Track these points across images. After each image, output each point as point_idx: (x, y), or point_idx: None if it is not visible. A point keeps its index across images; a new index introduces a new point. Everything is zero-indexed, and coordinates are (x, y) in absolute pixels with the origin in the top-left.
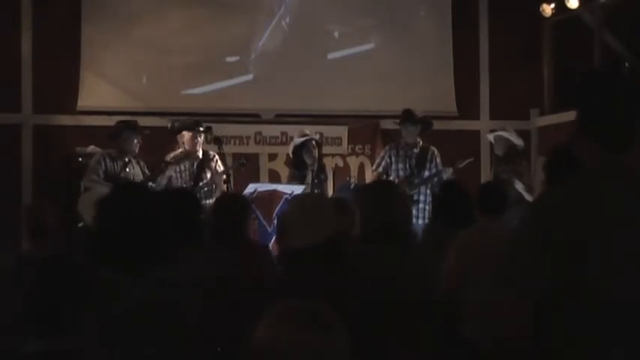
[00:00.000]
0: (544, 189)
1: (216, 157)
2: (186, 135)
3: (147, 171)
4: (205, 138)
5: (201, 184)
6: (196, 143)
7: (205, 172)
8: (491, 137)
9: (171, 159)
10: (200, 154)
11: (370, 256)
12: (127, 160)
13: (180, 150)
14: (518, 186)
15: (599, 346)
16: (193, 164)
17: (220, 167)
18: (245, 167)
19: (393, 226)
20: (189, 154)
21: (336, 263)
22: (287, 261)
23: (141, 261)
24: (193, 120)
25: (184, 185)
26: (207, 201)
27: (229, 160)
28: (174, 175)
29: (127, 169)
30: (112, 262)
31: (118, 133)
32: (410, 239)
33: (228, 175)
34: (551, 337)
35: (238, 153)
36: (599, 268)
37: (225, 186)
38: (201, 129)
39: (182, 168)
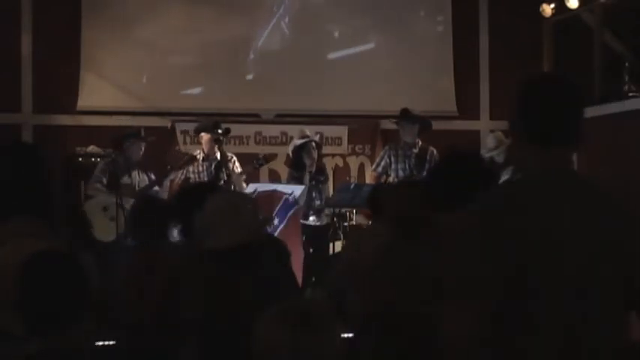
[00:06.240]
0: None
1: (234, 158)
2: (205, 137)
3: (152, 176)
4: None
5: (220, 185)
6: (214, 145)
7: (223, 174)
8: (491, 139)
9: (179, 163)
10: (218, 155)
11: None
12: (130, 167)
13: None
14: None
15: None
16: (211, 165)
17: (238, 168)
18: (264, 166)
19: None
20: (192, 160)
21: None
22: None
23: None
24: (213, 121)
25: None
26: None
27: None
28: (192, 176)
29: (132, 177)
30: None
31: (123, 141)
32: None
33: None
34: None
35: (238, 153)
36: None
37: (245, 186)
38: (220, 131)
39: (200, 169)
